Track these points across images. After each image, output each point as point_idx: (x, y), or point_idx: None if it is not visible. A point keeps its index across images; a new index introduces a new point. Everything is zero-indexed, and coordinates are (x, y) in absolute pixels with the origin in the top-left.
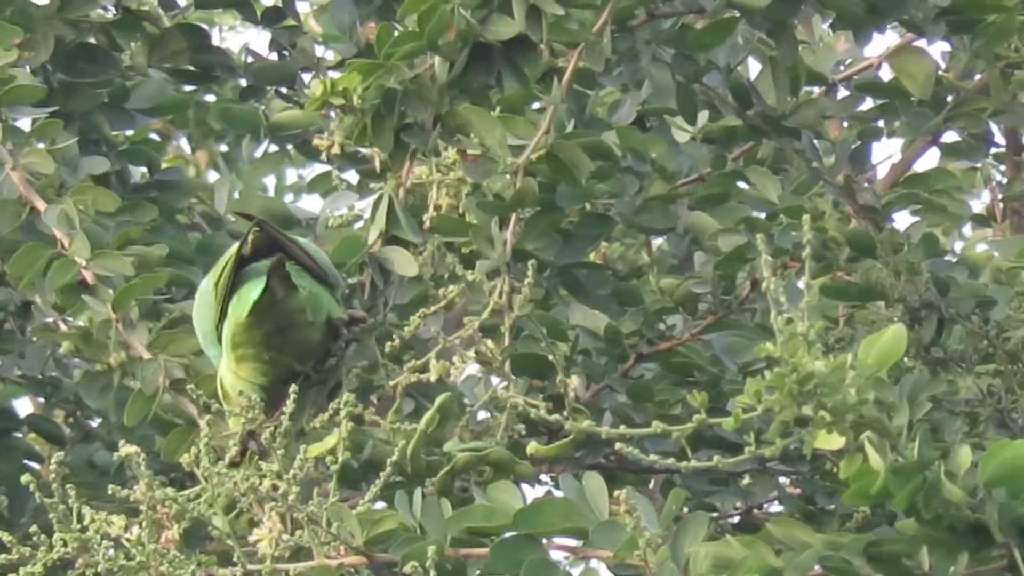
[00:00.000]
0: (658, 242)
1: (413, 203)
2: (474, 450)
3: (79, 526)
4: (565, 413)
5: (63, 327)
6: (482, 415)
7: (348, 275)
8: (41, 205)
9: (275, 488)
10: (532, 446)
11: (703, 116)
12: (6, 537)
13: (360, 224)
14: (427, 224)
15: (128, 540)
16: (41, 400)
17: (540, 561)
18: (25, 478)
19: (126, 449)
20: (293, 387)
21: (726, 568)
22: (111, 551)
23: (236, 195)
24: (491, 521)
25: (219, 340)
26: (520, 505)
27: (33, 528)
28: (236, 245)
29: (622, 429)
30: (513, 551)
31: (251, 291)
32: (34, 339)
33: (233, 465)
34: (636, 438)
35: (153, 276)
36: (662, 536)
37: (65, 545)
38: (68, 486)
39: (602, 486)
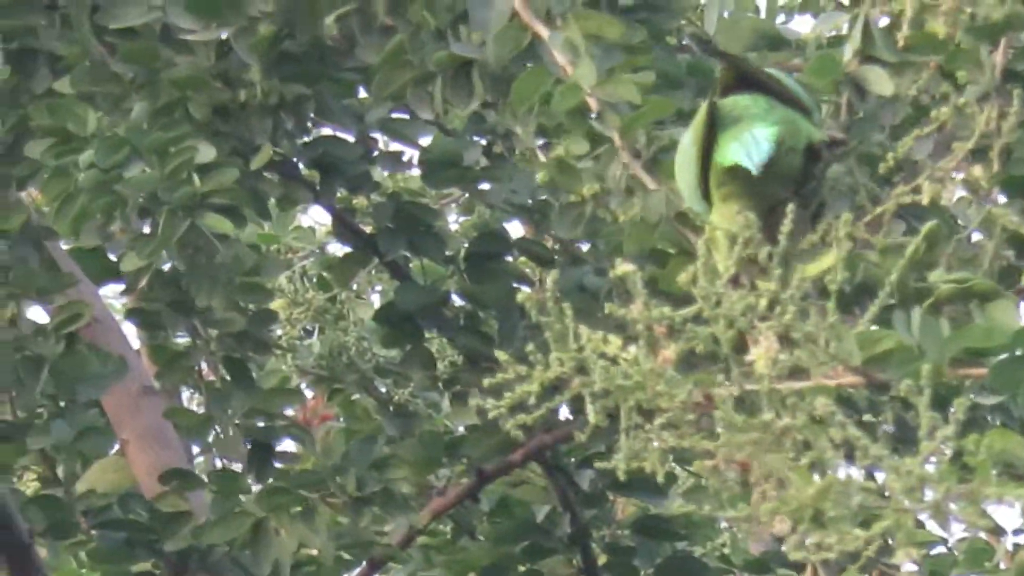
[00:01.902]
0: None
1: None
2: (958, 281)
3: (575, 346)
4: None
5: (541, 156)
6: (977, 236)
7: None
8: (543, 31)
9: (772, 307)
10: None
11: None
12: (502, 356)
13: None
14: (901, 44)
15: (624, 360)
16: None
17: None
18: (521, 296)
19: (623, 267)
20: (790, 206)
21: None
22: (607, 371)
23: (726, 15)
24: (990, 341)
25: (703, 196)
26: (1020, 325)
27: (529, 347)
28: (707, 100)
29: None
30: (1012, 371)
31: (733, 150)
32: (520, 163)
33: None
34: None
35: (660, 102)
36: None
37: (561, 364)
38: (564, 305)
39: None
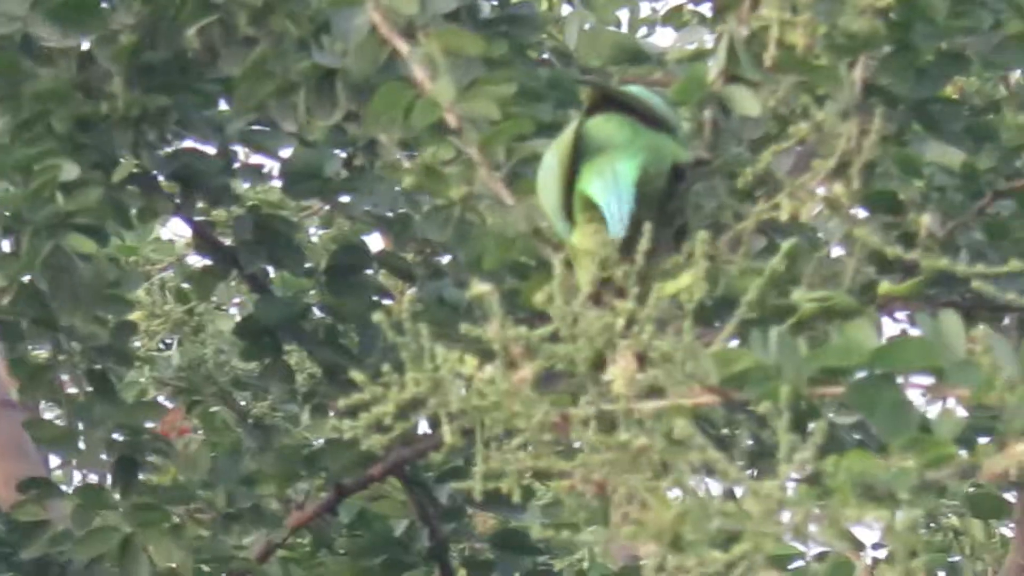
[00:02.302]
0: (1016, 74)
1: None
2: (820, 300)
3: (431, 365)
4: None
5: (407, 164)
6: (837, 251)
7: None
8: (402, 46)
9: (630, 327)
10: (883, 286)
11: None
12: (358, 377)
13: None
14: (768, 63)
15: (481, 380)
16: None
17: (896, 400)
18: (377, 316)
19: (479, 288)
20: (647, 225)
21: None
22: (463, 391)
23: (587, 28)
24: (847, 360)
25: (566, 215)
26: (877, 343)
27: (385, 367)
28: (575, 121)
29: (979, 267)
30: (870, 390)
31: (596, 188)
32: (381, 176)
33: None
34: (993, 275)
35: (520, 119)
36: (1020, 375)
37: (417, 385)
38: (420, 325)
39: (959, 324)
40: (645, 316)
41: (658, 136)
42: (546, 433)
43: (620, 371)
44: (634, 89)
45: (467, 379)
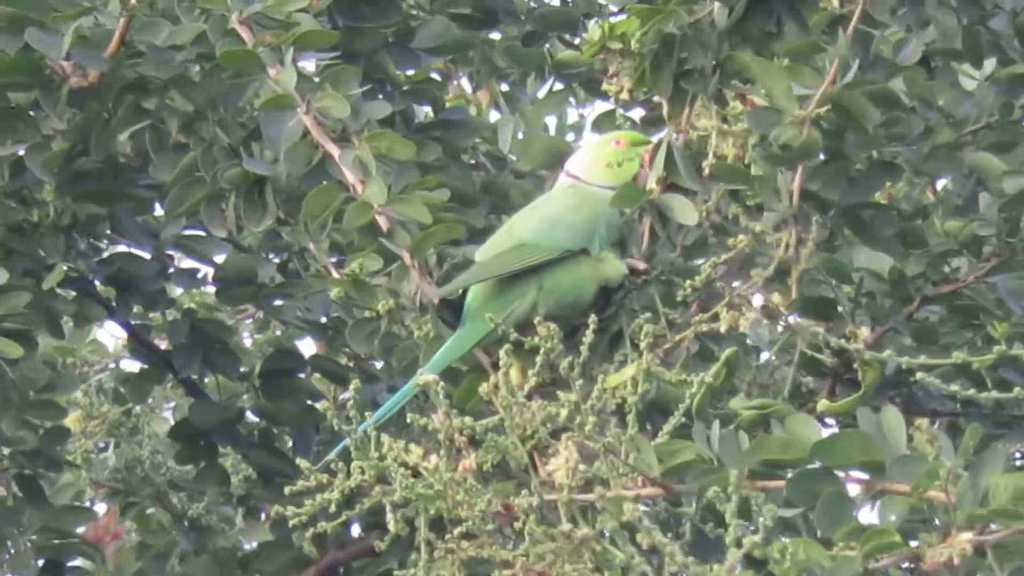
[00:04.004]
0: (943, 181)
1: (697, 150)
2: (759, 408)
3: (376, 454)
4: (854, 358)
5: (334, 273)
6: (765, 355)
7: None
8: (333, 149)
9: (572, 419)
10: (822, 404)
11: (990, 63)
12: (304, 464)
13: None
14: (707, 172)
15: (425, 469)
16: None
17: (836, 495)
18: (322, 405)
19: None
20: (592, 317)
21: None
22: (408, 480)
23: (519, 134)
24: (788, 454)
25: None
26: (817, 437)
27: (331, 455)
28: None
29: (922, 359)
30: (810, 484)
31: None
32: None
33: None
34: (923, 379)
35: (452, 223)
36: (960, 469)
37: (363, 473)
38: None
39: (900, 420)
40: (588, 408)
41: (557, 272)
42: (489, 522)
43: (562, 462)
44: (531, 226)
45: (412, 469)
